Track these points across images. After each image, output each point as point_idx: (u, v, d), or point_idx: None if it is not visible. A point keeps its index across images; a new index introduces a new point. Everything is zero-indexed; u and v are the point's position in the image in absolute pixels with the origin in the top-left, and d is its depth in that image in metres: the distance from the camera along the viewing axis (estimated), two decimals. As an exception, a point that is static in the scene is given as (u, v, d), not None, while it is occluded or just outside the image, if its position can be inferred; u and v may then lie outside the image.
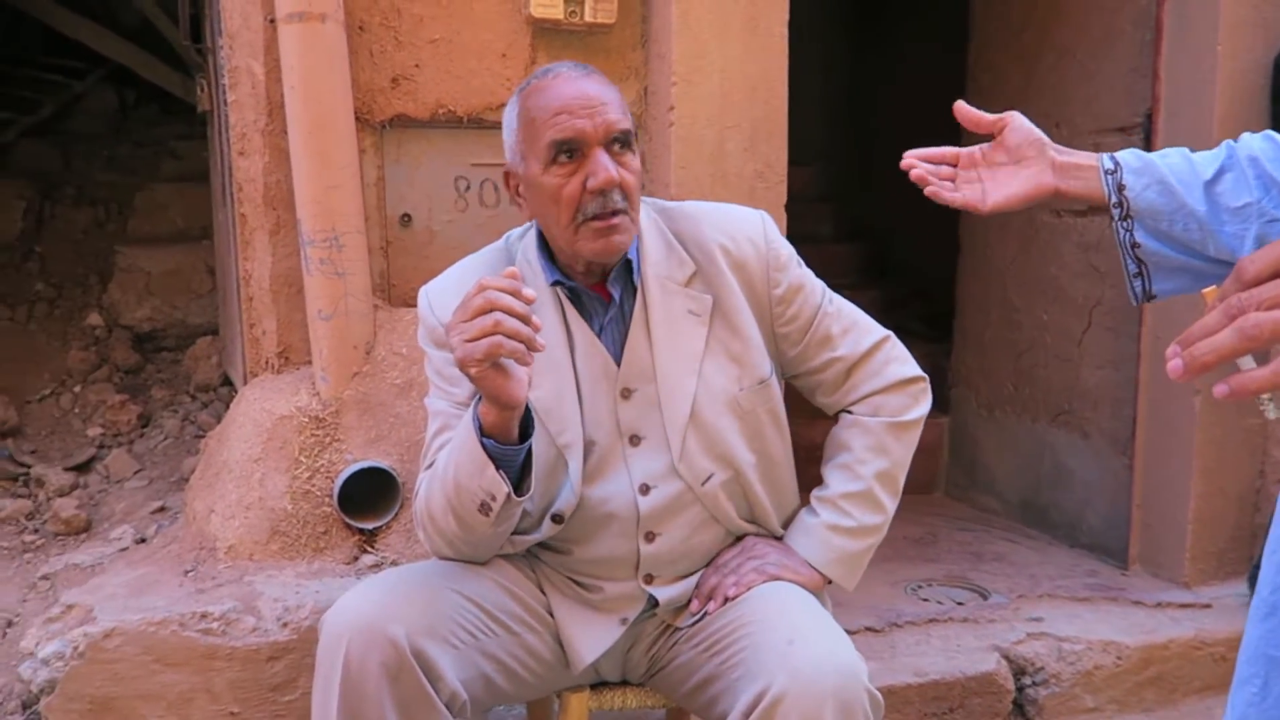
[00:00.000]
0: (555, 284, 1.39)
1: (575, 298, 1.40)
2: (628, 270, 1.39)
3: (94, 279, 3.53)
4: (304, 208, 1.98)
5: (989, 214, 1.29)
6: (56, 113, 4.35)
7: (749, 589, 1.37)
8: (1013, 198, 1.27)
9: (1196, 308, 0.83)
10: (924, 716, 2.01)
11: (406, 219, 2.18)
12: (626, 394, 1.38)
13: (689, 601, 1.42)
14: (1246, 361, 0.70)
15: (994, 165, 1.29)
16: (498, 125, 1.44)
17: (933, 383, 1.52)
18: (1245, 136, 1.22)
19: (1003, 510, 3.11)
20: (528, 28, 2.15)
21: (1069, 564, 2.66)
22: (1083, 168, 1.26)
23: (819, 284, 1.48)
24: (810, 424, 1.71)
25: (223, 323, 2.97)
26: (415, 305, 1.47)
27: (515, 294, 1.15)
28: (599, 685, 1.50)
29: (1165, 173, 1.23)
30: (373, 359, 2.05)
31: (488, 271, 1.33)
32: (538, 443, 1.28)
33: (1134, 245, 1.25)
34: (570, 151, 1.29)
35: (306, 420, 1.99)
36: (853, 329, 1.47)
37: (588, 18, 2.10)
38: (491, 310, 1.14)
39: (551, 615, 1.42)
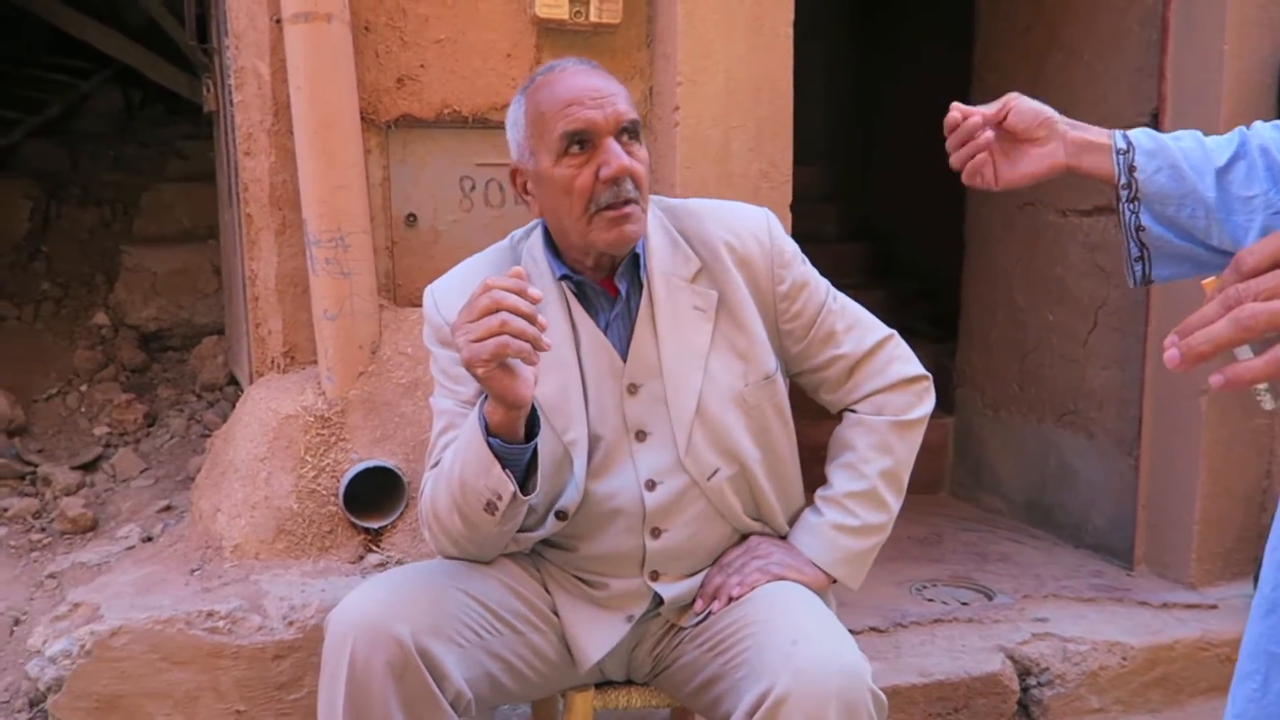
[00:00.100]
0: (563, 278, 1.39)
1: (581, 294, 1.40)
2: (634, 266, 1.40)
3: (100, 278, 3.55)
4: (309, 208, 1.98)
5: (1000, 191, 1.29)
6: (63, 113, 4.37)
7: (753, 589, 1.37)
8: (1024, 176, 1.27)
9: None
10: (928, 717, 2.01)
11: (412, 219, 2.18)
12: (633, 389, 1.38)
13: (693, 601, 1.42)
14: (1244, 352, 0.70)
15: (1006, 144, 1.28)
16: (503, 125, 1.45)
17: (938, 383, 1.52)
18: (1258, 125, 1.22)
19: (1008, 510, 3.10)
20: (533, 28, 2.15)
21: (1074, 564, 2.65)
22: (1095, 145, 1.25)
23: (823, 282, 1.48)
24: (815, 424, 1.71)
25: (228, 322, 2.98)
26: (421, 305, 1.48)
27: (521, 293, 1.15)
28: (603, 685, 1.50)
29: (1178, 157, 1.22)
30: (378, 359, 2.05)
31: (493, 271, 1.34)
32: (543, 440, 1.28)
33: (1139, 228, 1.24)
34: (582, 142, 1.30)
35: (312, 420, 2.00)
36: (856, 327, 1.47)
37: (593, 18, 2.10)
38: (498, 310, 1.14)
39: (556, 615, 1.42)
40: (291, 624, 1.77)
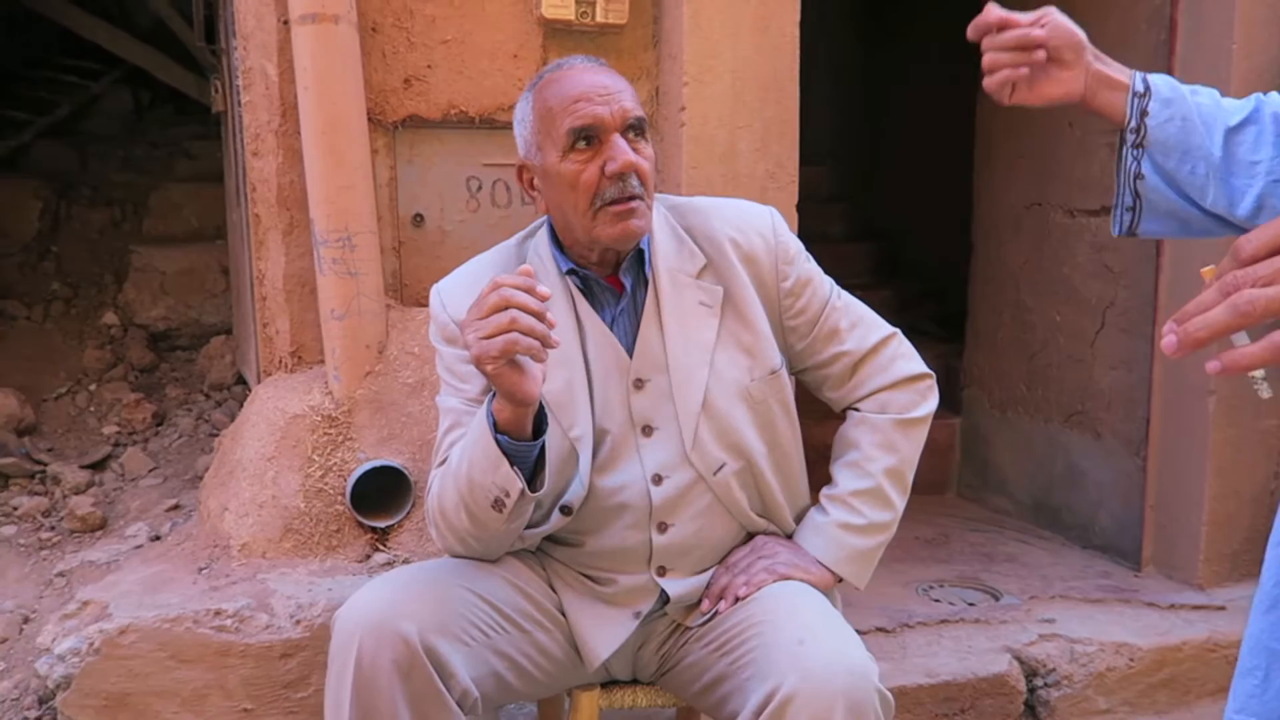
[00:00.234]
0: (568, 273, 1.40)
1: (586, 289, 1.41)
2: (639, 262, 1.40)
3: (109, 278, 3.56)
4: (317, 208, 1.99)
5: (1009, 105, 1.26)
6: (73, 113, 4.39)
7: (759, 588, 1.37)
8: (1040, 97, 1.24)
9: (1209, 307, 0.83)
10: (935, 717, 2.01)
11: (419, 219, 2.19)
12: (639, 384, 1.39)
13: (699, 601, 1.42)
14: (1241, 338, 0.70)
15: (1025, 58, 1.23)
16: (510, 125, 1.45)
17: (945, 383, 1.52)
18: (1274, 95, 1.22)
19: (1015, 511, 3.10)
20: (539, 28, 2.16)
21: (1081, 565, 2.65)
22: (1114, 83, 1.23)
23: (827, 279, 1.49)
24: (820, 424, 1.71)
25: (236, 322, 2.99)
26: (427, 305, 1.48)
27: (530, 291, 1.16)
28: (609, 684, 1.50)
29: (1192, 110, 1.21)
30: (385, 358, 2.06)
31: (499, 269, 1.34)
32: (551, 437, 1.29)
33: (1137, 176, 1.23)
34: (588, 138, 1.31)
35: (319, 419, 2.01)
36: (860, 324, 1.48)
37: (599, 18, 2.11)
38: (507, 308, 1.15)
39: (563, 614, 1.42)
40: (299, 623, 1.78)
